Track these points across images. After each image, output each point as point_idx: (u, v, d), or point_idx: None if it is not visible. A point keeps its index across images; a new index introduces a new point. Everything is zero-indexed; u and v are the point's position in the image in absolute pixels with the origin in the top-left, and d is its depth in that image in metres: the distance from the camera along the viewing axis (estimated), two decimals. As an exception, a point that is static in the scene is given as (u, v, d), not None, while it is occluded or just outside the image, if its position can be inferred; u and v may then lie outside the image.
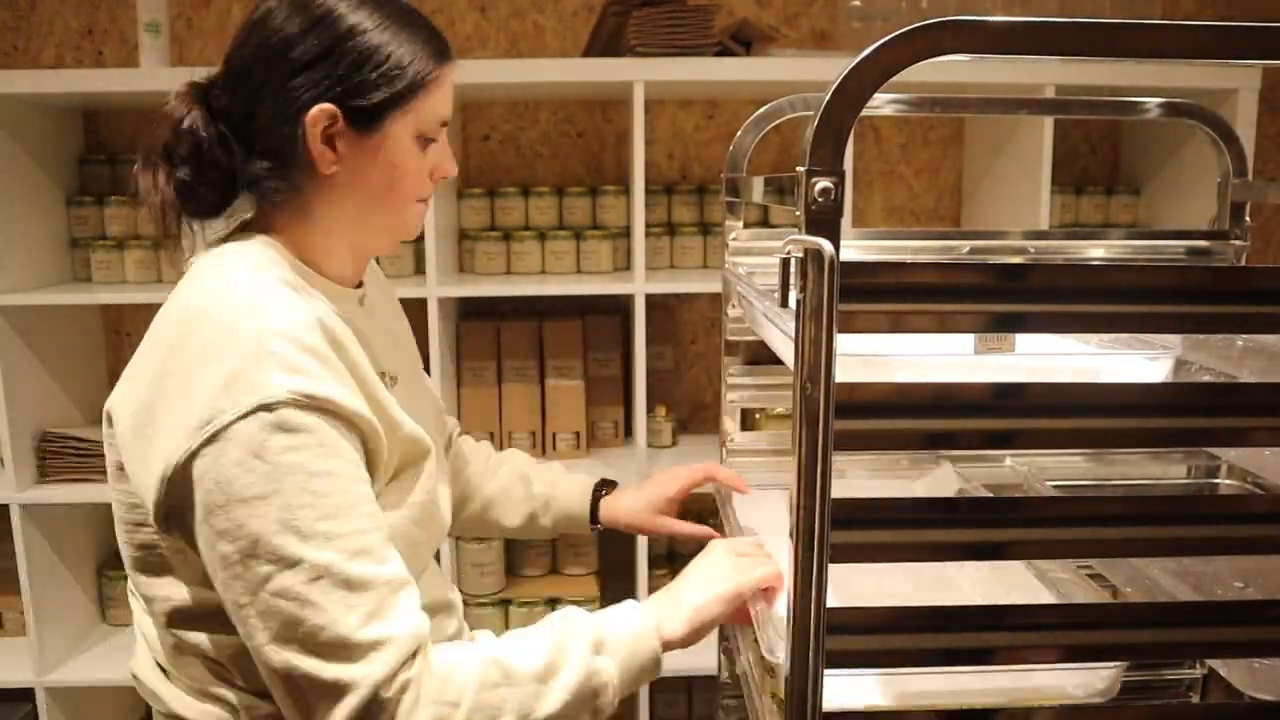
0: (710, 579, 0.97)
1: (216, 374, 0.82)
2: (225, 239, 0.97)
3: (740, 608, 0.96)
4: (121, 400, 0.90)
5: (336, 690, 0.81)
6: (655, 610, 0.95)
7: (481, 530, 1.37)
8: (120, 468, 0.91)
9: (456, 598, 1.16)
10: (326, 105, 0.90)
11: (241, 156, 0.94)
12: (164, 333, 0.89)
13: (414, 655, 0.84)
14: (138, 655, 1.01)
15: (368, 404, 0.90)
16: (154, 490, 0.85)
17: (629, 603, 0.96)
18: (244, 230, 0.98)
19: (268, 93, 0.91)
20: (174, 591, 0.92)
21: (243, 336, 0.84)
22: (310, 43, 0.90)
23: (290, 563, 0.80)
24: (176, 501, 0.84)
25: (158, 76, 1.90)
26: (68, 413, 2.17)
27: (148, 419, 0.86)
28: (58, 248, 2.14)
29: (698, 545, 1.09)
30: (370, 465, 0.91)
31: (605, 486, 1.33)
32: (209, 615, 0.90)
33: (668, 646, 0.94)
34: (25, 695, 2.10)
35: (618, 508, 1.30)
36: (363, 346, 0.96)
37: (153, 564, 0.93)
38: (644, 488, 1.31)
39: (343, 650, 0.81)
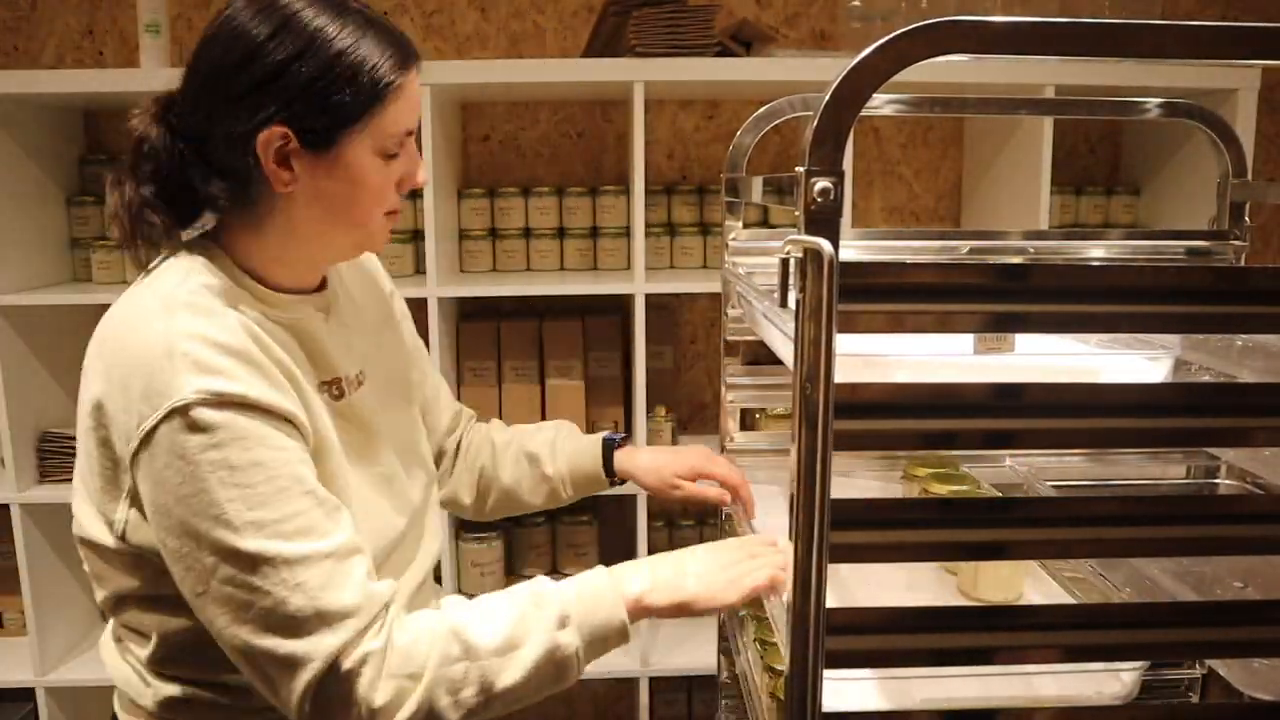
0: (711, 579, 0.97)
1: (135, 384, 0.85)
2: (181, 247, 0.97)
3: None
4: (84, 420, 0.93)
5: (292, 664, 0.84)
6: (638, 579, 0.96)
7: (510, 512, 1.38)
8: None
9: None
10: (276, 128, 0.89)
11: (199, 177, 0.93)
12: (91, 355, 0.92)
13: (373, 625, 0.86)
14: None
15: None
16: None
17: (599, 570, 0.97)
18: (200, 239, 0.98)
19: (220, 115, 0.90)
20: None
21: (152, 343, 0.86)
22: (259, 64, 0.88)
23: (228, 554, 0.83)
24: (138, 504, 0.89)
25: (158, 77, 1.90)
26: (68, 413, 2.17)
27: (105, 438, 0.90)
28: (58, 248, 2.13)
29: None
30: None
31: (615, 441, 1.32)
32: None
33: (645, 613, 0.95)
34: (25, 695, 2.10)
35: (636, 464, 1.29)
36: (307, 353, 0.97)
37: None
38: (660, 453, 1.31)
39: (292, 627, 0.84)
